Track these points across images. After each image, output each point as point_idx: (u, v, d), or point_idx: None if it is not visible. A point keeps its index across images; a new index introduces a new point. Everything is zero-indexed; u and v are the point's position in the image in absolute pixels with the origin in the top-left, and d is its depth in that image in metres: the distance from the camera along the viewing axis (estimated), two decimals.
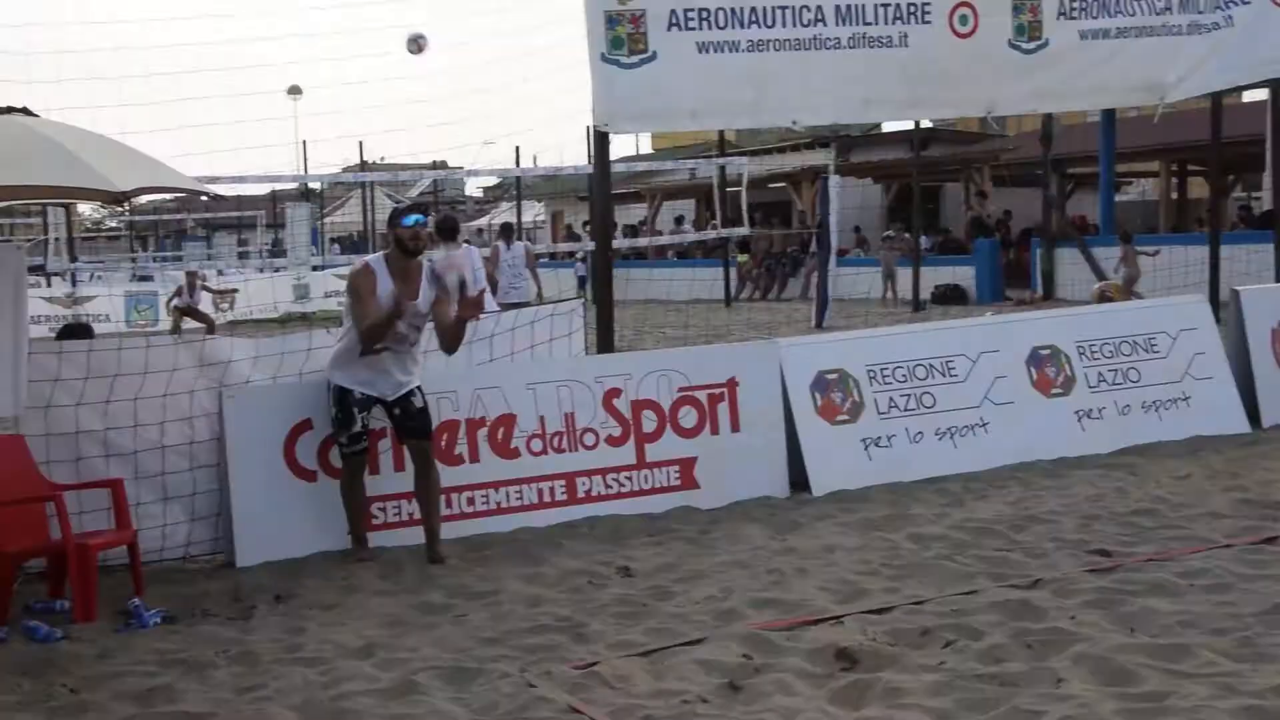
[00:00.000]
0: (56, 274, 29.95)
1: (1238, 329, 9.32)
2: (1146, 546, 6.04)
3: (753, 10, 9.18)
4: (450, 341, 6.76)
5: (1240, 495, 6.96)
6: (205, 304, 22.92)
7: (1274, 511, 6.58)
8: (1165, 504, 6.90)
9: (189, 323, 21.75)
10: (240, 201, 43.24)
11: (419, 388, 6.70)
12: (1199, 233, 22.85)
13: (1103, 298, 21.55)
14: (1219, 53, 10.37)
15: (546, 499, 7.35)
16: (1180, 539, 6.15)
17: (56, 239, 30.66)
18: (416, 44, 18.90)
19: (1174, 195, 33.84)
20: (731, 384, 7.88)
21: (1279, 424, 9.02)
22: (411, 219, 6.63)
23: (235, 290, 27.10)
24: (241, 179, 18.70)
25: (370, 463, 6.90)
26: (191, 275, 22.35)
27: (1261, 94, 22.06)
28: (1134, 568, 5.65)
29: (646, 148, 51.70)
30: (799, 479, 7.83)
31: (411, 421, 6.64)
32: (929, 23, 9.59)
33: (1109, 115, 26.03)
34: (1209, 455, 8.16)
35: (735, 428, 7.84)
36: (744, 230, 23.95)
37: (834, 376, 8.15)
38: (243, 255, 42.27)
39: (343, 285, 24.53)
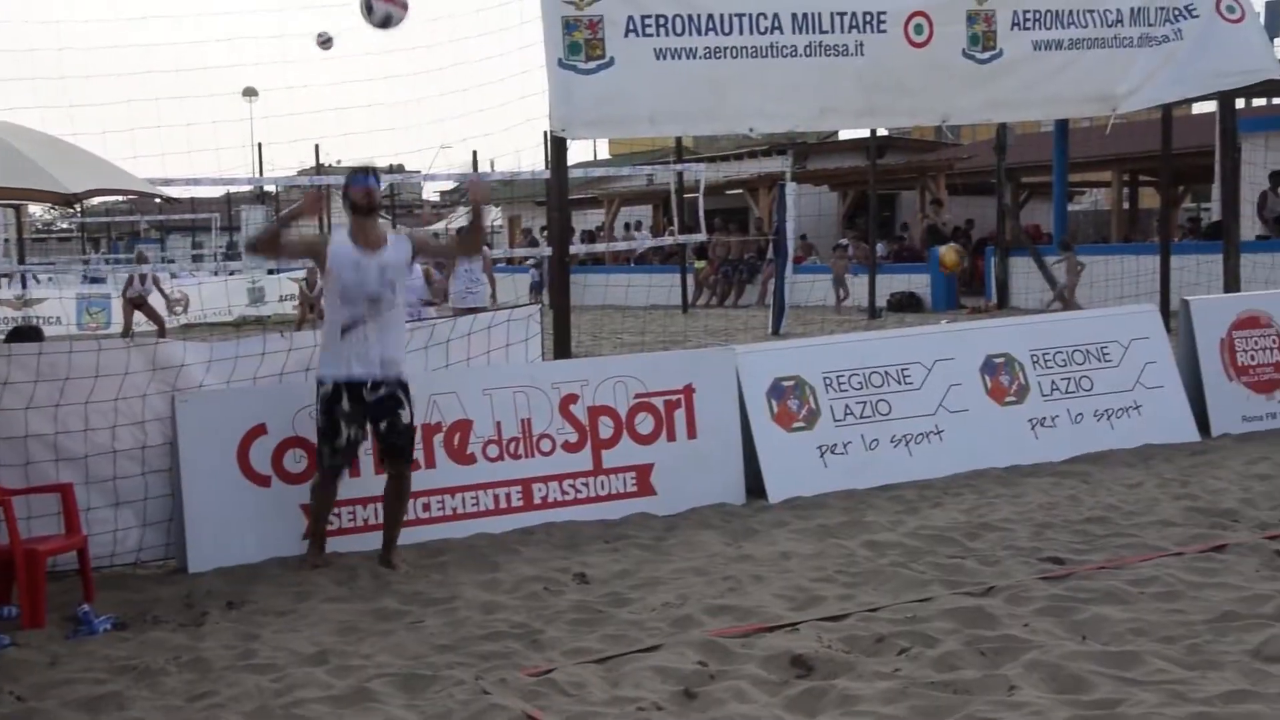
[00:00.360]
0: (6, 276, 29.58)
1: (1188, 338, 9.43)
2: (1098, 554, 6.10)
3: (710, 17, 9.20)
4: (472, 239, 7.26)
5: (1190, 503, 7.04)
6: (158, 304, 22.67)
7: (1223, 519, 6.66)
8: (1117, 512, 6.96)
9: (140, 324, 21.50)
10: (194, 204, 42.86)
11: (408, 399, 6.55)
12: (1151, 243, 23.14)
13: (942, 261, 22.37)
14: (1169, 65, 10.50)
15: (503, 505, 7.33)
16: (1131, 547, 6.20)
17: (6, 240, 30.31)
18: (322, 38, 19.32)
19: (1125, 205, 34.21)
20: (688, 390, 7.89)
21: (1228, 433, 9.14)
22: (361, 179, 6.63)
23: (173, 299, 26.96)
24: (195, 181, 18.48)
25: None
26: (143, 276, 22.13)
27: (1210, 106, 22.34)
28: (1086, 575, 5.70)
29: (604, 153, 51.73)
30: (755, 485, 7.85)
31: (398, 439, 6.51)
32: (885, 32, 9.66)
33: (1062, 125, 26.28)
34: (1160, 464, 8.25)
35: (692, 434, 7.85)
36: (701, 236, 23.98)
37: (790, 383, 8.18)
38: (197, 258, 41.91)
39: (297, 289, 24.20)
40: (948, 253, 23.20)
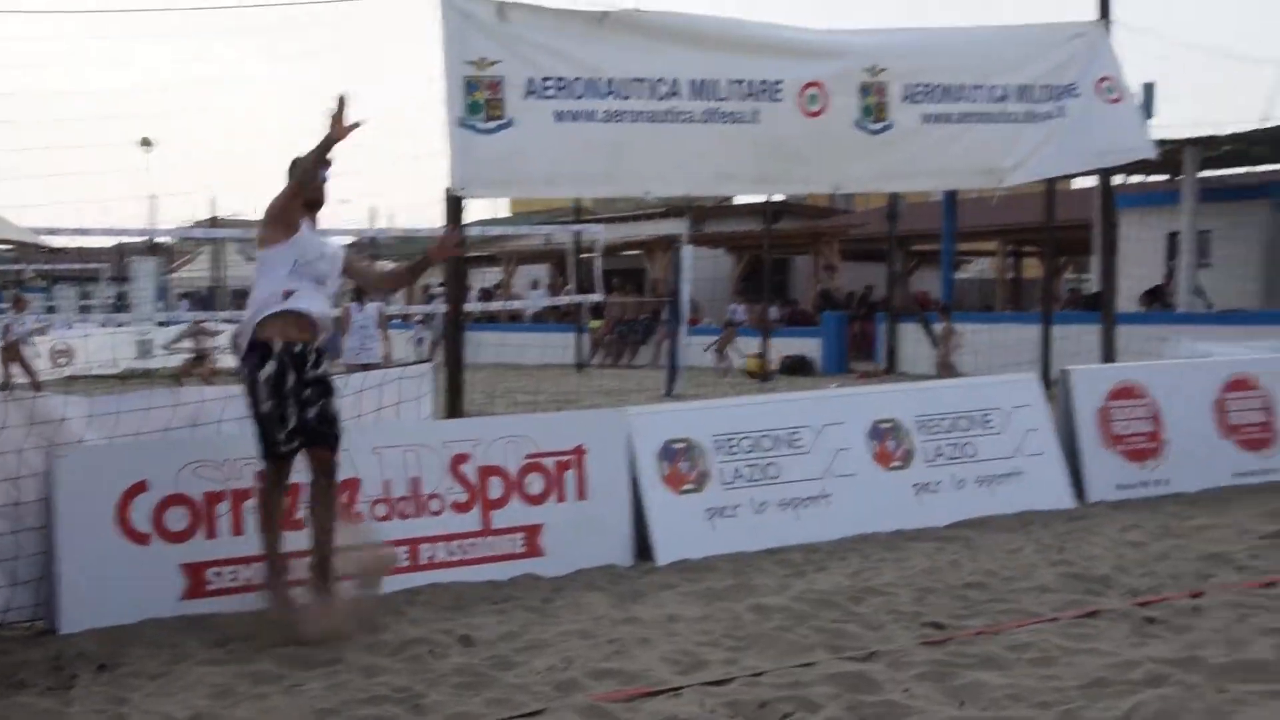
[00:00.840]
0: None
1: (1066, 407, 9.68)
2: (978, 620, 6.20)
3: (610, 81, 9.32)
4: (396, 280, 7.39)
5: (1066, 569, 7.20)
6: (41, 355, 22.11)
7: (1097, 585, 6.82)
8: (996, 577, 7.09)
9: (21, 377, 20.93)
10: (83, 254, 41.97)
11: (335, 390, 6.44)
12: (1034, 312, 23.76)
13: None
14: (1053, 141, 10.85)
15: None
16: (1010, 612, 6.32)
17: None
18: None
19: (1010, 275, 35.12)
20: (579, 451, 7.90)
21: (1103, 500, 9.38)
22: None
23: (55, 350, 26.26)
24: (85, 231, 18.17)
25: (208, 525, 6.75)
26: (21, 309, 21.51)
27: (1091, 180, 23.12)
28: (966, 641, 5.79)
29: (504, 211, 51.81)
30: (644, 548, 7.86)
31: (329, 427, 6.29)
32: (780, 101, 9.85)
33: (951, 196, 26.98)
34: (1038, 530, 8.44)
35: (582, 495, 7.85)
36: (597, 296, 24.11)
37: (681, 446, 8.22)
38: (85, 309, 41.00)
39: (186, 341, 23.74)
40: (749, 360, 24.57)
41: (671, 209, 33.14)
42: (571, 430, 8.02)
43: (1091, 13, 11.45)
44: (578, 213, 29.90)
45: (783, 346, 26.16)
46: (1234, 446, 10.06)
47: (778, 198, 27.84)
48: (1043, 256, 34.36)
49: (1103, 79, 10.92)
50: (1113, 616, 6.12)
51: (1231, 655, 5.31)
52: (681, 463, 8.18)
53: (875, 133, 10.24)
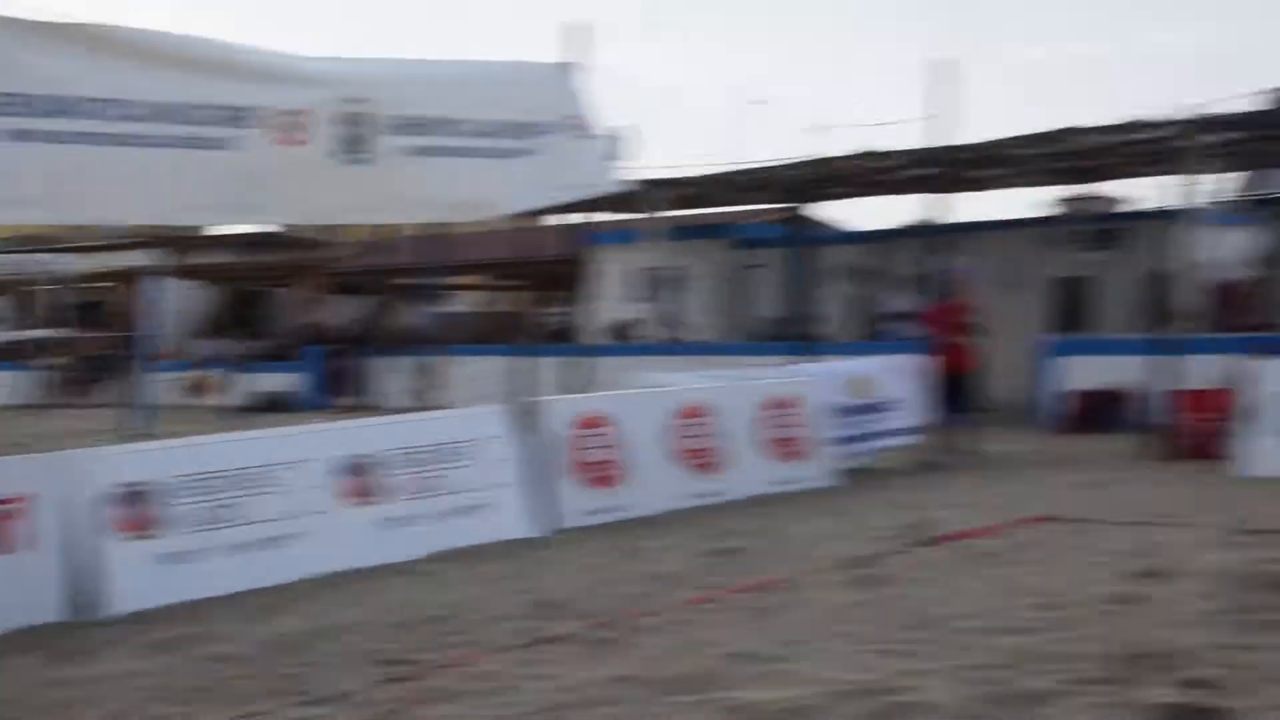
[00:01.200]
0: None
1: (537, 437, 9.99)
2: (440, 653, 6.20)
3: (54, 99, 8.65)
4: None
5: (530, 598, 7.36)
6: None
7: (555, 611, 7.01)
8: (465, 608, 7.15)
9: None
10: None
11: None
12: (515, 344, 24.52)
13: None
14: (528, 176, 11.19)
15: None
16: (472, 643, 6.37)
17: None
18: None
19: (492, 308, 36.16)
20: (23, 500, 7.22)
21: (571, 526, 9.72)
22: None
23: None
24: None
25: None
26: None
27: (569, 218, 24.25)
28: (426, 675, 5.77)
29: None
30: (96, 600, 7.30)
31: None
32: (253, 128, 9.53)
33: (436, 229, 27.36)
34: (506, 559, 8.61)
35: (23, 549, 7.17)
36: (59, 332, 22.41)
37: (138, 489, 7.73)
38: None
39: None
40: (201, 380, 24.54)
41: (155, 239, 31.43)
42: (13, 478, 7.35)
43: (571, 54, 11.89)
44: (43, 241, 27.69)
45: (263, 382, 25.44)
46: (687, 470, 10.78)
47: (267, 229, 27.09)
48: (523, 291, 35.74)
49: (573, 117, 11.41)
50: (568, 640, 6.33)
51: (670, 669, 5.62)
52: (137, 507, 7.69)
53: (354, 164, 10.14)
